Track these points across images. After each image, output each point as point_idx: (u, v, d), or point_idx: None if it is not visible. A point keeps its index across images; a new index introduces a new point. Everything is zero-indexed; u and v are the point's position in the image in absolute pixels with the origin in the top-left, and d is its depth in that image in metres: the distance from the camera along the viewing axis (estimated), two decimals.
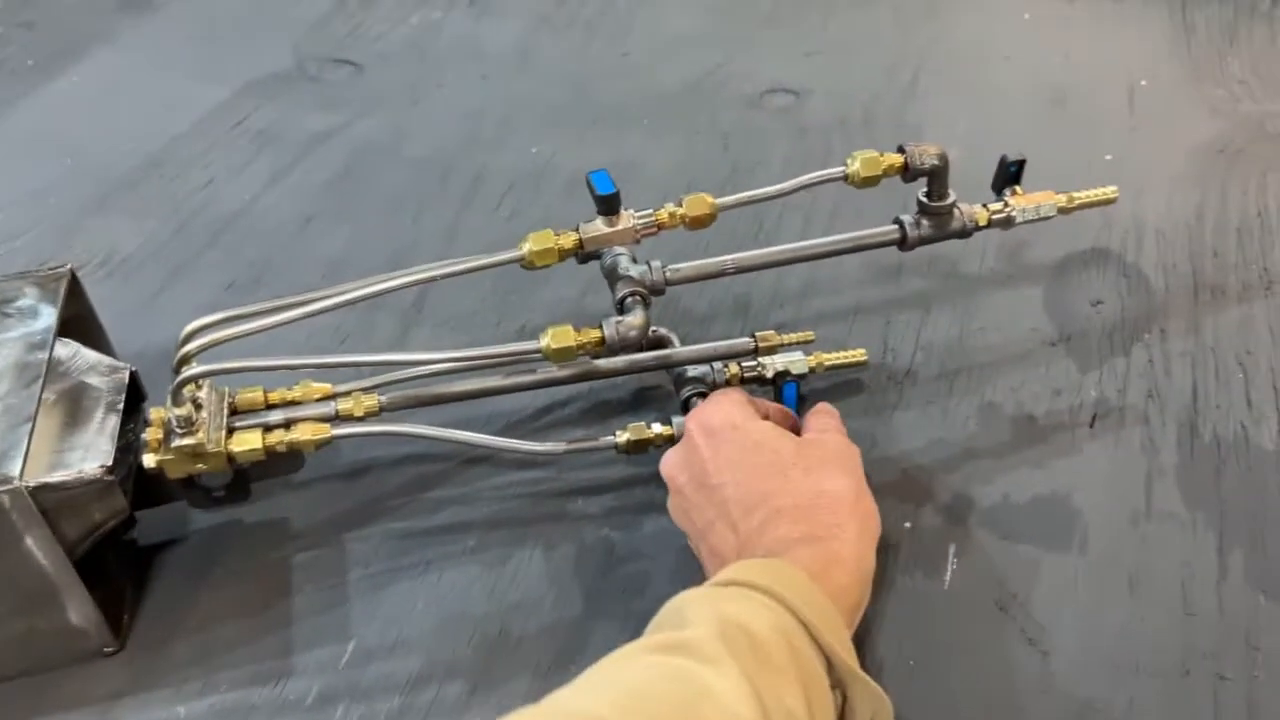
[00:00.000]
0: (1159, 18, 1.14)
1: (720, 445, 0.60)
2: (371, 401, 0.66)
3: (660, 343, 0.74)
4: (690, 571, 0.61)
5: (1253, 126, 0.97)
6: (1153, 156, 0.94)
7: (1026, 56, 1.11)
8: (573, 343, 0.61)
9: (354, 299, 0.63)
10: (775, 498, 0.56)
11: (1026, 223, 0.70)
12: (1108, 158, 0.94)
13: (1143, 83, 1.04)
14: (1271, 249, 0.83)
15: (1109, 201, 0.72)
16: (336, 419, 0.66)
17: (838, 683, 0.49)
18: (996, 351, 0.77)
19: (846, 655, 0.48)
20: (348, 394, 0.67)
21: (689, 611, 0.48)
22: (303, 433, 0.64)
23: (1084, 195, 0.72)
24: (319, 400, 0.66)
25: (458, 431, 0.67)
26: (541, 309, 0.83)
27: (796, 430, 0.65)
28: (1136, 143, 0.96)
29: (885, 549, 0.64)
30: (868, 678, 0.49)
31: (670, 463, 0.62)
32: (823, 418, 0.66)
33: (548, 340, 0.62)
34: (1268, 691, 0.56)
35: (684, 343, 0.75)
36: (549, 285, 0.83)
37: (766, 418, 0.64)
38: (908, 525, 0.66)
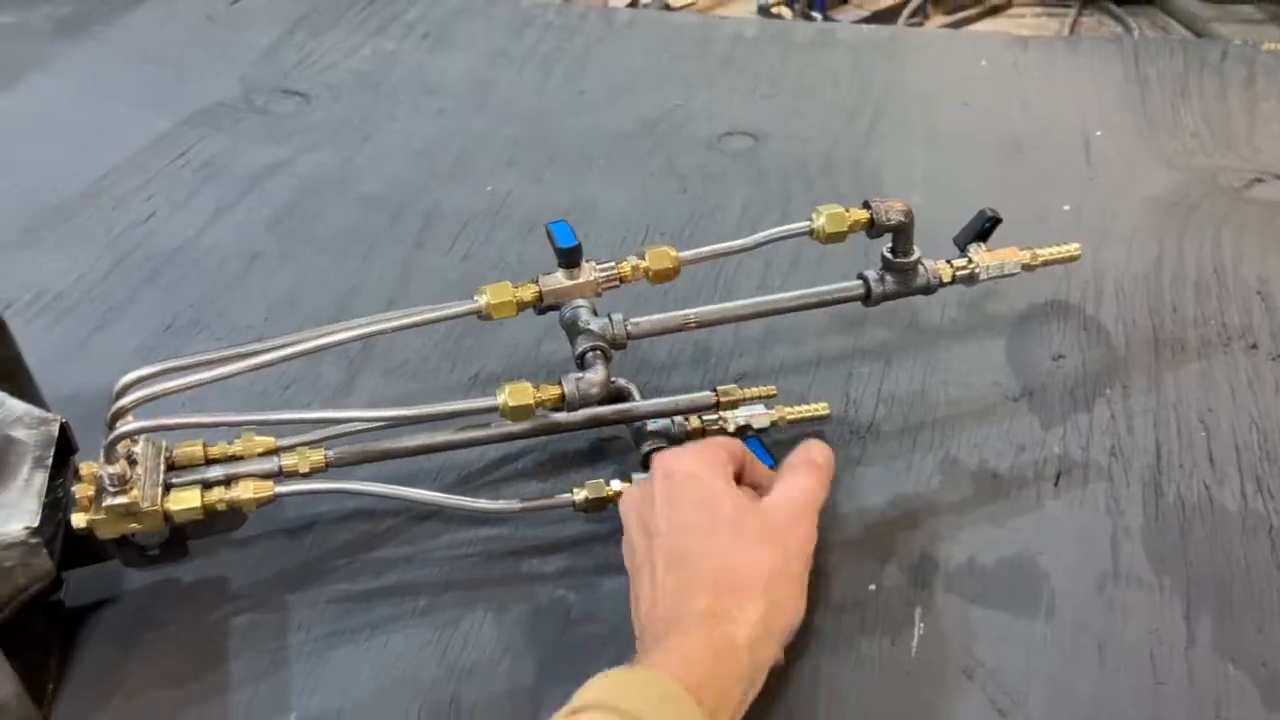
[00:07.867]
0: (1113, 68, 1.15)
1: (672, 492, 0.59)
2: (318, 457, 0.63)
3: (620, 395, 0.72)
4: None
5: (1206, 180, 0.97)
6: (1110, 208, 0.94)
7: (983, 104, 1.11)
8: (531, 400, 0.59)
9: (298, 353, 0.60)
10: (695, 559, 0.56)
11: (990, 279, 0.69)
12: (1065, 208, 0.94)
13: (1098, 133, 1.04)
14: (1228, 305, 0.83)
15: (1073, 259, 0.72)
16: (280, 475, 0.63)
17: None
18: (958, 405, 0.76)
19: None
20: (292, 449, 0.64)
21: None
22: (244, 490, 0.61)
23: (1047, 252, 0.71)
24: (262, 455, 0.63)
25: (408, 489, 0.64)
26: (496, 356, 0.81)
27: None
28: (1094, 193, 0.96)
29: (850, 611, 0.62)
30: None
31: (627, 499, 0.62)
32: (800, 472, 0.62)
33: (505, 398, 0.59)
34: None
35: (643, 393, 0.73)
36: (505, 330, 0.81)
37: (740, 479, 0.62)
38: (872, 588, 0.64)
